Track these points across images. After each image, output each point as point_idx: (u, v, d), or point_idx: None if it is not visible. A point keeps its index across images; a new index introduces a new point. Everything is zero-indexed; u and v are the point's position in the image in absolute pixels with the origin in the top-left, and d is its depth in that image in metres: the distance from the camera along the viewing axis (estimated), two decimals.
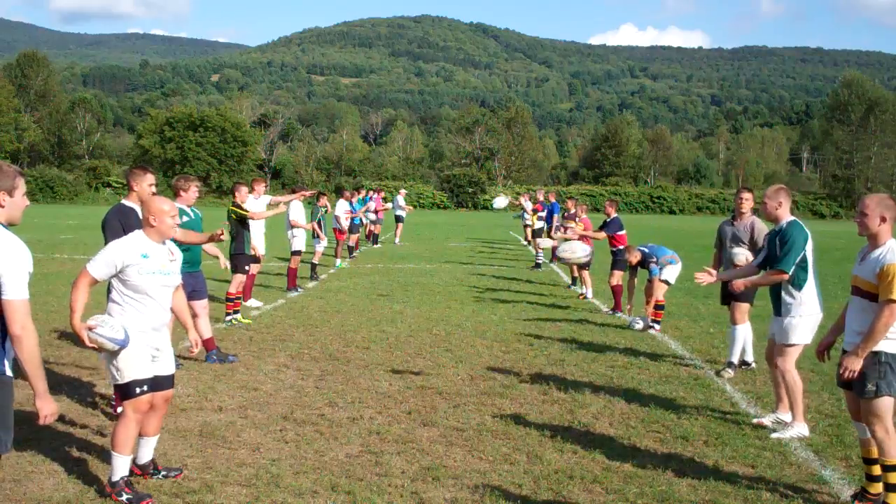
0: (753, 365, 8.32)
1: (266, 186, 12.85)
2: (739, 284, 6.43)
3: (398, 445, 5.68)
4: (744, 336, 8.12)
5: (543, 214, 20.40)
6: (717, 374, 8.06)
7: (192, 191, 7.87)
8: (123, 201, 6.41)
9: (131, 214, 6.25)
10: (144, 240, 4.76)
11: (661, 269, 10.56)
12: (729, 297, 8.06)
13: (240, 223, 10.59)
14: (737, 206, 8.26)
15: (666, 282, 10.59)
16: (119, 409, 6.08)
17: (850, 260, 21.07)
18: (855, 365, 4.59)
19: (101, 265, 4.64)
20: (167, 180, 69.74)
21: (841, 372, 4.66)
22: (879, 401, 4.53)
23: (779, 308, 6.22)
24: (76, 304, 4.59)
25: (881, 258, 4.58)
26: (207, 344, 8.17)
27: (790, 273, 6.10)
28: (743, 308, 8.02)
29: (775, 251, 6.23)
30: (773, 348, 6.36)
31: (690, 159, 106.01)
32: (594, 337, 10.13)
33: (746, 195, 8.24)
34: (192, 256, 7.86)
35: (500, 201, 22.34)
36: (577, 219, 14.37)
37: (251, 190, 11.76)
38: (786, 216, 6.34)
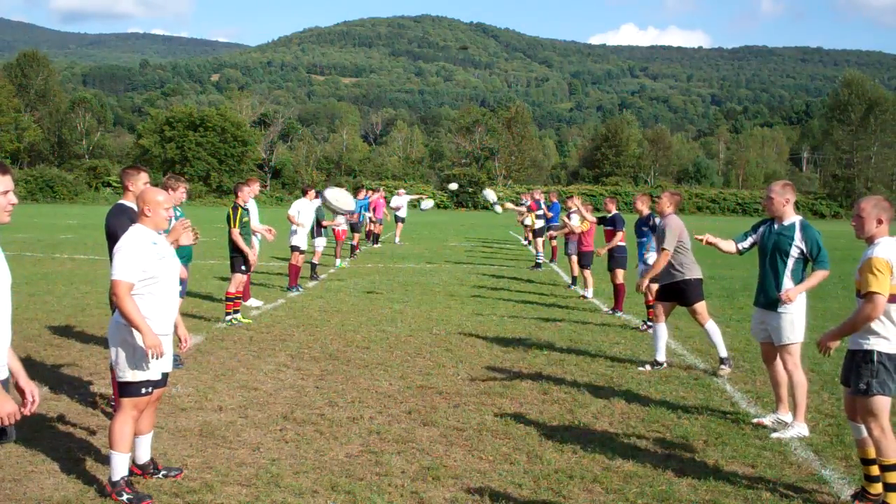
0: (664, 366, 8.35)
1: (265, 186, 12.90)
2: (792, 295, 6.14)
3: (398, 445, 5.68)
4: (717, 330, 8.21)
5: (542, 213, 20.40)
6: (714, 373, 8.07)
7: (181, 191, 7.93)
8: (122, 201, 6.41)
9: (131, 212, 6.28)
10: (146, 230, 4.78)
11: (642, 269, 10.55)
12: (673, 297, 8.23)
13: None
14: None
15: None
16: (117, 410, 6.10)
17: (850, 260, 21.01)
18: (830, 342, 4.80)
19: (129, 268, 4.58)
20: None
21: (817, 343, 4.85)
22: (874, 400, 4.53)
23: (770, 303, 6.23)
24: (137, 319, 4.51)
25: (868, 253, 4.60)
26: None
27: (829, 271, 6.21)
28: (702, 306, 8.19)
29: (785, 246, 6.22)
30: (769, 350, 6.36)
31: (690, 159, 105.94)
32: (594, 337, 10.13)
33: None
34: (184, 251, 7.91)
35: (490, 195, 22.80)
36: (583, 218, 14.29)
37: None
38: (792, 214, 6.34)
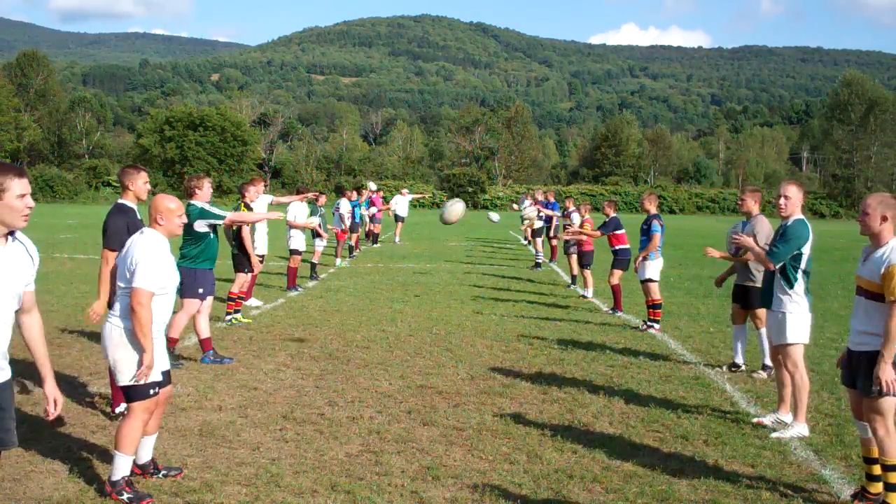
0: (743, 368, 8.28)
1: (266, 186, 12.86)
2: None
3: (398, 445, 5.68)
4: (761, 338, 8.06)
5: (542, 214, 20.46)
6: (750, 374, 8.07)
7: (206, 188, 8.01)
8: (121, 201, 6.41)
9: (131, 213, 6.30)
10: (162, 238, 4.80)
11: (643, 268, 10.57)
12: (740, 298, 8.09)
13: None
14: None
15: (650, 279, 10.58)
16: (118, 410, 6.10)
17: (850, 260, 21.05)
18: (890, 375, 4.44)
19: (154, 277, 4.60)
20: (167, 180, 68.89)
21: (885, 389, 4.45)
22: (885, 400, 4.52)
23: (769, 301, 6.23)
24: (148, 333, 4.56)
25: (885, 258, 4.57)
26: (205, 344, 8.19)
27: (776, 266, 6.10)
28: (763, 312, 8.00)
29: (774, 244, 6.23)
30: (776, 350, 6.36)
31: (690, 159, 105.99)
32: (594, 337, 10.13)
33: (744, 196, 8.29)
34: (211, 253, 8.01)
35: (495, 216, 21.96)
36: (581, 218, 14.35)
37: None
38: (797, 213, 6.33)
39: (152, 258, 4.63)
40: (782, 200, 6.29)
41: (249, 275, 10.86)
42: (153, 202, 4.91)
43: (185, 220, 4.94)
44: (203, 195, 8.03)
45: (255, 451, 5.49)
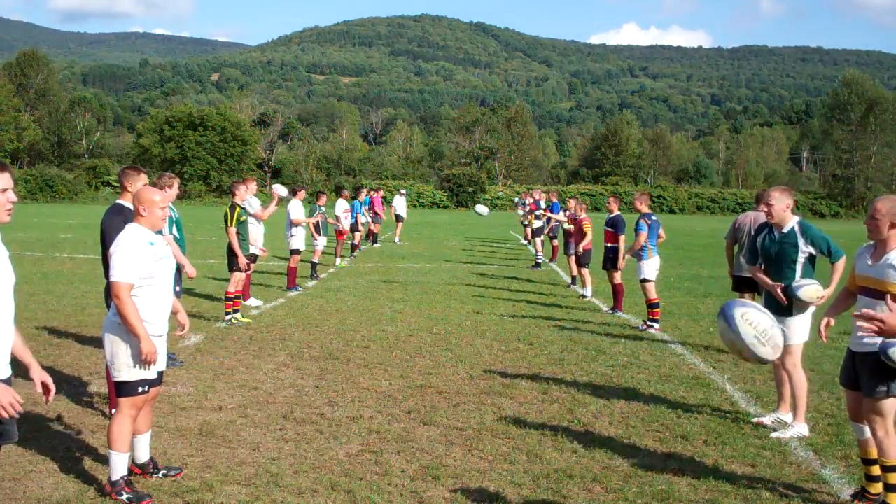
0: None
1: (266, 185, 12.83)
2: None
3: (398, 445, 5.68)
4: None
5: (540, 213, 20.45)
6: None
7: (175, 188, 7.95)
8: (120, 201, 6.40)
9: (128, 212, 6.28)
10: (142, 230, 4.76)
11: (639, 268, 10.69)
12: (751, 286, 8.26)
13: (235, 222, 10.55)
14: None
15: (645, 279, 10.62)
16: (115, 410, 6.09)
17: (848, 259, 21.11)
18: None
19: (129, 269, 4.56)
20: None
21: (876, 327, 4.39)
22: (886, 401, 4.52)
23: (781, 310, 6.20)
24: (136, 323, 4.52)
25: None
26: None
27: (836, 263, 6.09)
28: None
29: (791, 254, 6.17)
30: None
31: (690, 159, 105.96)
32: (594, 337, 10.13)
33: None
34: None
35: (482, 209, 23.04)
36: (577, 217, 14.35)
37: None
38: (790, 218, 6.29)
39: (124, 250, 4.60)
40: (766, 208, 6.25)
41: (244, 274, 10.85)
42: (137, 194, 4.88)
43: (168, 213, 4.91)
44: (168, 196, 7.96)
45: (255, 451, 5.49)
